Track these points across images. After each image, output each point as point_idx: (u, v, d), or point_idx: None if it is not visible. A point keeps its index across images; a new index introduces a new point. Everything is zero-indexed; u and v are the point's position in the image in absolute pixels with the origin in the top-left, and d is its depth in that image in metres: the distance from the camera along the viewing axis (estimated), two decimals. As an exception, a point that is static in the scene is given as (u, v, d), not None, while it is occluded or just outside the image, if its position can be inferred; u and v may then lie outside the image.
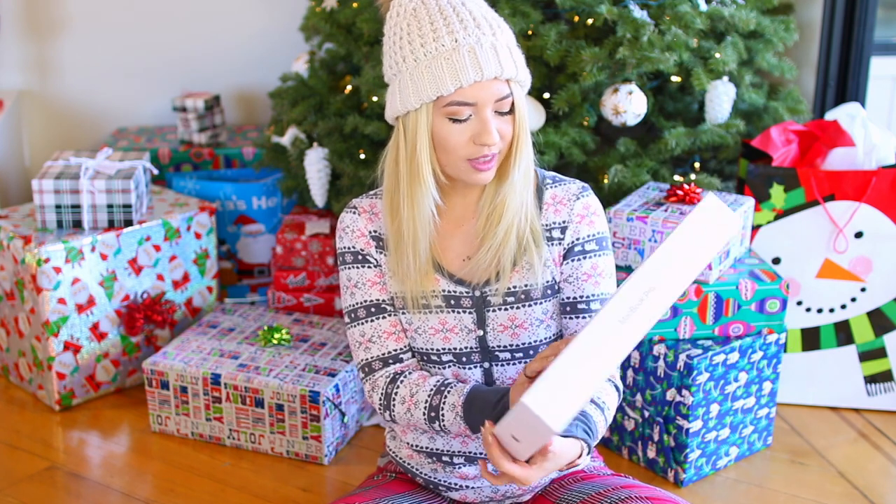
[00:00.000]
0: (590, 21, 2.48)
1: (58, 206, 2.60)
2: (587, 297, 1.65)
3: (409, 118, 1.56)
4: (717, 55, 2.50)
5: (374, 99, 2.59)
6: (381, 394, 1.69)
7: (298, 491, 2.31)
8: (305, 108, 2.82)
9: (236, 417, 2.44)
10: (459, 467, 1.73)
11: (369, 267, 1.69)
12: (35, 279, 2.54)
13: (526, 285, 1.64)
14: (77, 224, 2.62)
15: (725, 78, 2.52)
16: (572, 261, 1.65)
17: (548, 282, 1.66)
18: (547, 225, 1.66)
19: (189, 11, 3.45)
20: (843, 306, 2.55)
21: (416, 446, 1.75)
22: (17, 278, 2.61)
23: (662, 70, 2.46)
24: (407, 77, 1.54)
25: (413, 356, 1.72)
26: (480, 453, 1.72)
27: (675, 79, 2.56)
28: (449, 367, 1.69)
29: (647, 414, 2.33)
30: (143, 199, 2.72)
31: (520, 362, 1.68)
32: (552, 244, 1.66)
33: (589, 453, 1.53)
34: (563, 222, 1.65)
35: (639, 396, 2.34)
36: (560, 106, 2.45)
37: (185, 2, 3.45)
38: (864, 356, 2.58)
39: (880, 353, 2.57)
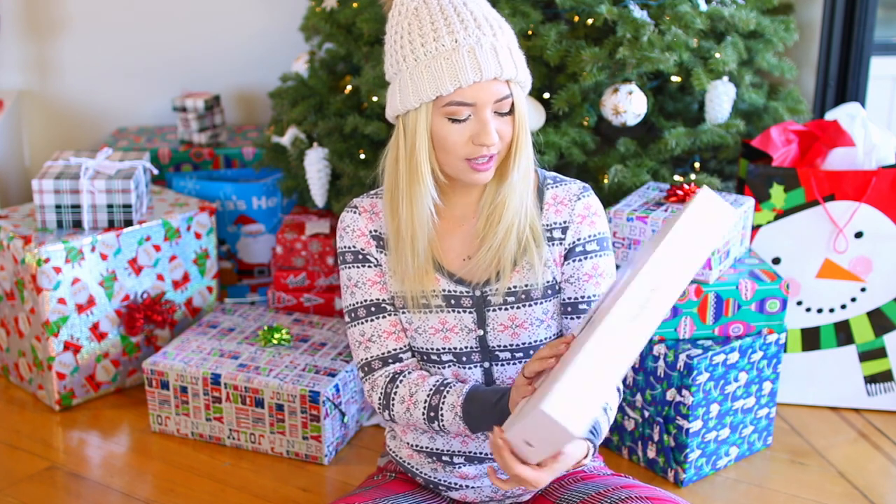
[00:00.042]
0: (590, 21, 2.48)
1: (58, 206, 2.60)
2: (588, 297, 1.65)
3: (409, 117, 1.56)
4: (717, 55, 2.50)
5: (374, 99, 2.59)
6: (381, 393, 1.69)
7: (298, 491, 2.31)
8: (305, 108, 2.82)
9: (236, 417, 2.44)
10: (459, 467, 1.73)
11: (369, 266, 1.69)
12: (35, 279, 2.54)
13: (526, 285, 1.64)
14: (77, 224, 2.62)
15: (725, 78, 2.52)
16: (573, 261, 1.65)
17: (548, 282, 1.66)
18: (548, 225, 1.66)
19: (189, 11, 3.46)
20: (843, 306, 2.55)
21: (416, 446, 1.75)
22: (17, 278, 2.62)
23: (662, 70, 2.46)
24: (407, 76, 1.55)
25: (413, 356, 1.72)
26: (481, 453, 1.72)
27: (675, 79, 2.56)
28: (449, 366, 1.69)
29: (647, 414, 2.33)
30: (143, 199, 2.72)
31: (520, 362, 1.68)
32: (553, 244, 1.66)
33: (594, 453, 1.53)
34: (564, 222, 1.66)
35: (639, 396, 2.34)
36: (560, 106, 2.45)
37: (185, 2, 3.45)
38: (864, 356, 2.58)
39: (880, 353, 2.57)
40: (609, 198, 2.47)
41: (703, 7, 2.51)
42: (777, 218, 2.51)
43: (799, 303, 2.56)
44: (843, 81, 2.92)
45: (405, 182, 1.59)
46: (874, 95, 2.99)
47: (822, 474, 2.37)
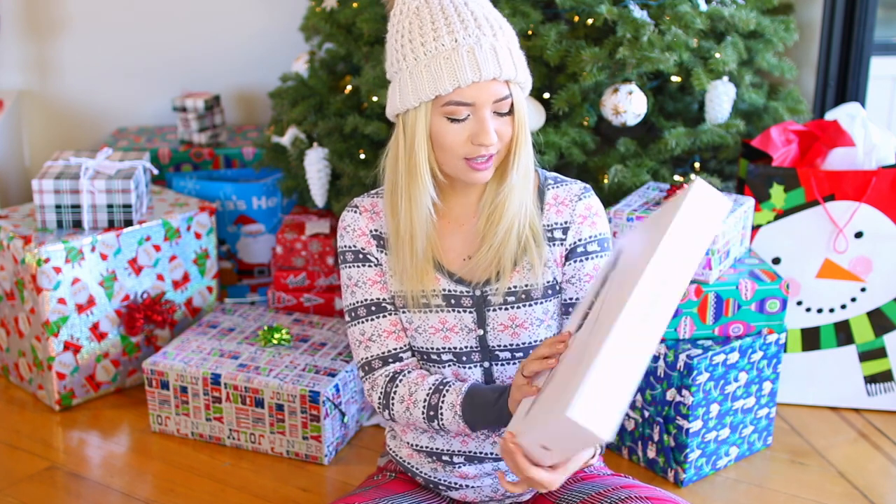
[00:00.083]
0: (590, 21, 2.48)
1: (58, 206, 2.60)
2: (588, 297, 1.66)
3: (409, 116, 1.56)
4: (717, 55, 2.50)
5: (374, 99, 2.59)
6: (381, 393, 1.69)
7: (298, 491, 2.31)
8: (305, 108, 2.82)
9: (236, 417, 2.44)
10: (459, 466, 1.73)
11: (370, 266, 1.69)
12: (35, 279, 2.54)
13: (526, 285, 1.64)
14: (77, 224, 2.62)
15: (725, 78, 2.52)
16: (574, 262, 1.66)
17: (549, 282, 1.66)
18: (549, 225, 1.66)
19: (189, 11, 3.46)
20: (843, 306, 2.55)
21: (416, 445, 1.75)
22: (17, 278, 2.61)
23: (662, 70, 2.46)
24: (406, 75, 1.55)
25: (413, 355, 1.72)
26: (481, 452, 1.72)
27: (675, 79, 2.56)
28: (449, 366, 1.69)
29: (647, 414, 2.33)
30: (143, 199, 2.72)
31: (520, 362, 1.68)
32: (554, 245, 1.66)
33: (601, 453, 1.53)
34: (565, 223, 1.66)
35: (639, 396, 2.34)
36: (560, 106, 2.45)
37: (185, 2, 3.45)
38: (864, 356, 2.58)
39: (880, 353, 2.57)
40: (609, 198, 2.47)
41: (703, 7, 2.51)
42: (777, 218, 2.51)
43: (799, 303, 2.56)
44: (843, 81, 2.92)
45: (404, 181, 1.59)
46: (874, 95, 2.99)
47: (822, 474, 2.37)
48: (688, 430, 2.25)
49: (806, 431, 2.53)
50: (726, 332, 2.30)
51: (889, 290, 2.53)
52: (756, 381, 2.34)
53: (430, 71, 1.52)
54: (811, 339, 2.58)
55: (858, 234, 2.49)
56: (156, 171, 2.83)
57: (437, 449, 1.73)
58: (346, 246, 1.70)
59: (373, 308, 1.69)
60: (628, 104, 2.42)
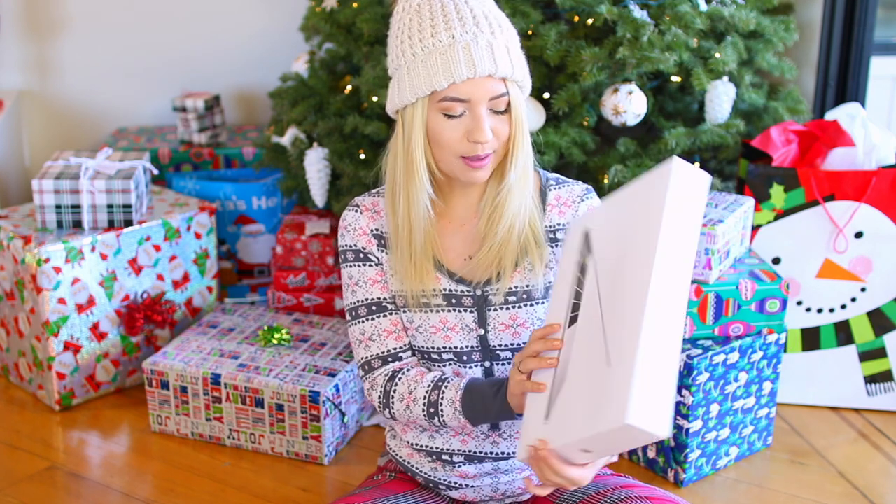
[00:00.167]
0: (590, 21, 2.48)
1: (58, 206, 2.60)
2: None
3: (407, 112, 1.57)
4: (717, 55, 2.50)
5: (374, 99, 2.59)
6: (380, 392, 1.69)
7: (298, 491, 2.31)
8: (305, 108, 2.82)
9: (236, 417, 2.44)
10: (459, 466, 1.73)
11: (370, 265, 1.69)
12: (35, 279, 2.54)
13: (527, 285, 1.64)
14: (77, 224, 2.62)
15: (725, 78, 2.52)
16: (574, 261, 1.66)
17: (550, 282, 1.66)
18: (551, 226, 1.66)
19: (189, 11, 3.46)
20: (843, 306, 2.55)
21: (416, 445, 1.75)
22: (17, 278, 2.61)
23: (662, 70, 2.46)
24: (405, 71, 1.56)
25: (413, 355, 1.72)
26: (480, 452, 1.72)
27: (675, 79, 2.56)
28: (449, 365, 1.70)
29: (647, 414, 2.33)
30: (143, 199, 2.72)
31: (520, 361, 1.69)
32: (556, 245, 1.66)
33: None
34: (567, 224, 1.66)
35: (639, 396, 2.33)
36: (560, 106, 2.45)
37: (185, 2, 3.45)
38: (864, 356, 2.58)
39: (880, 353, 2.57)
40: (609, 198, 2.47)
41: (703, 7, 2.51)
42: (777, 218, 2.51)
43: (799, 303, 2.56)
44: (843, 81, 2.92)
45: (402, 177, 1.60)
46: (874, 95, 2.99)
47: (822, 474, 2.37)
48: (688, 430, 2.25)
49: (806, 431, 2.53)
50: (726, 332, 2.30)
51: (889, 290, 2.53)
52: (756, 381, 2.34)
53: (426, 67, 1.53)
54: (811, 339, 2.58)
55: (858, 234, 2.49)
56: (156, 171, 2.83)
57: (436, 448, 1.73)
58: (346, 245, 1.70)
59: (373, 308, 1.69)
60: (628, 104, 2.42)
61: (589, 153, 2.56)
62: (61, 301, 2.56)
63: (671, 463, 2.30)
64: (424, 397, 1.64)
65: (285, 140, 2.84)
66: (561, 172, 2.08)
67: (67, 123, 3.52)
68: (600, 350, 1.36)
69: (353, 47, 2.77)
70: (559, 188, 1.68)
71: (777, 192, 2.49)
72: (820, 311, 2.56)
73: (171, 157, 3.20)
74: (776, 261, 2.54)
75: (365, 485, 1.81)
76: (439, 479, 1.76)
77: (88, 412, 2.65)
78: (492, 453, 1.72)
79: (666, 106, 2.69)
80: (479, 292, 1.66)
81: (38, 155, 3.52)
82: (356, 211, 1.70)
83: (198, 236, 2.81)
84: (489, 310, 1.66)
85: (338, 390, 2.39)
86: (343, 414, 2.43)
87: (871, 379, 2.59)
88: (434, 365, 1.70)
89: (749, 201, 2.42)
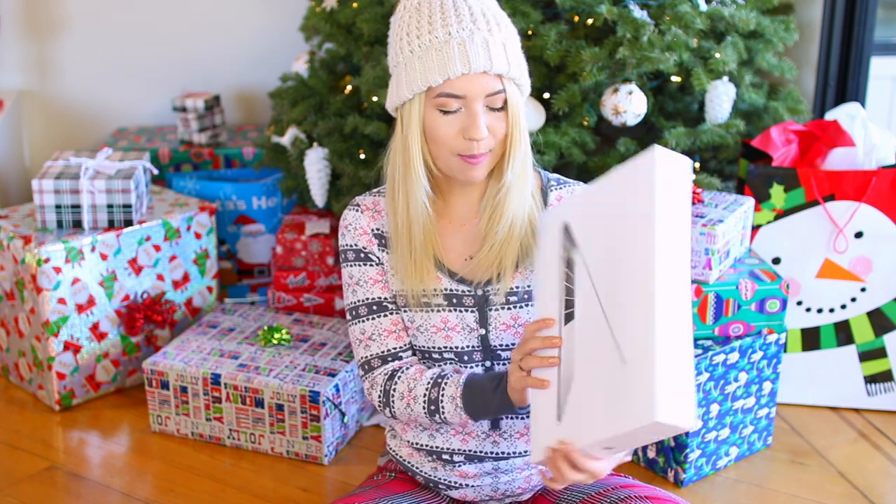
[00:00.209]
0: (590, 21, 2.48)
1: (58, 206, 2.60)
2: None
3: (405, 109, 1.58)
4: (717, 55, 2.50)
5: (374, 99, 2.59)
6: (380, 391, 1.69)
7: (298, 491, 2.31)
8: (305, 108, 2.82)
9: (236, 417, 2.44)
10: (459, 465, 1.73)
11: (371, 265, 1.69)
12: (35, 279, 2.54)
13: (528, 285, 1.64)
14: (77, 224, 2.62)
15: (725, 78, 2.52)
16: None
17: (549, 281, 1.66)
18: (550, 226, 1.66)
19: (189, 11, 3.46)
20: (843, 306, 2.55)
21: (416, 444, 1.75)
22: (17, 278, 2.61)
23: (662, 70, 2.46)
24: (402, 68, 1.56)
25: (413, 354, 1.72)
26: (480, 451, 1.72)
27: (675, 79, 2.56)
28: (450, 364, 1.69)
29: (647, 414, 2.33)
30: (143, 199, 2.72)
31: (521, 361, 1.69)
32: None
33: None
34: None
35: (639, 396, 2.34)
36: (560, 106, 2.45)
37: (185, 2, 3.45)
38: (864, 356, 2.58)
39: (880, 353, 2.57)
40: (609, 198, 2.47)
41: (703, 7, 2.51)
42: (777, 218, 2.51)
43: (799, 303, 2.56)
44: (843, 81, 2.92)
45: (400, 174, 1.60)
46: (874, 95, 2.99)
47: (822, 474, 2.37)
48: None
49: (806, 431, 2.53)
50: (726, 332, 2.30)
51: (889, 290, 2.53)
52: (756, 381, 2.34)
53: (422, 63, 1.53)
54: (811, 339, 2.58)
55: (858, 234, 2.49)
56: (156, 171, 2.83)
57: (436, 448, 1.73)
58: (347, 245, 1.70)
59: (374, 307, 1.69)
60: (628, 104, 2.42)
61: (589, 153, 2.56)
62: (61, 301, 2.56)
63: (671, 463, 2.30)
64: (424, 395, 1.64)
65: (285, 140, 2.84)
66: (561, 172, 2.08)
67: (67, 123, 3.52)
68: (610, 348, 1.35)
69: (353, 47, 2.77)
70: (560, 188, 1.68)
71: (777, 192, 2.49)
72: (820, 311, 2.56)
73: (171, 157, 3.20)
74: (776, 261, 2.54)
75: (365, 485, 1.81)
76: (439, 478, 1.76)
77: (88, 412, 2.65)
78: (492, 453, 1.72)
79: (666, 106, 2.69)
80: (479, 292, 1.66)
81: (38, 155, 3.52)
82: (357, 210, 1.70)
83: (198, 236, 2.81)
84: (490, 310, 1.66)
85: (338, 390, 2.39)
86: (343, 414, 2.43)
87: (871, 379, 2.59)
88: (435, 365, 1.70)
89: (749, 201, 2.42)
